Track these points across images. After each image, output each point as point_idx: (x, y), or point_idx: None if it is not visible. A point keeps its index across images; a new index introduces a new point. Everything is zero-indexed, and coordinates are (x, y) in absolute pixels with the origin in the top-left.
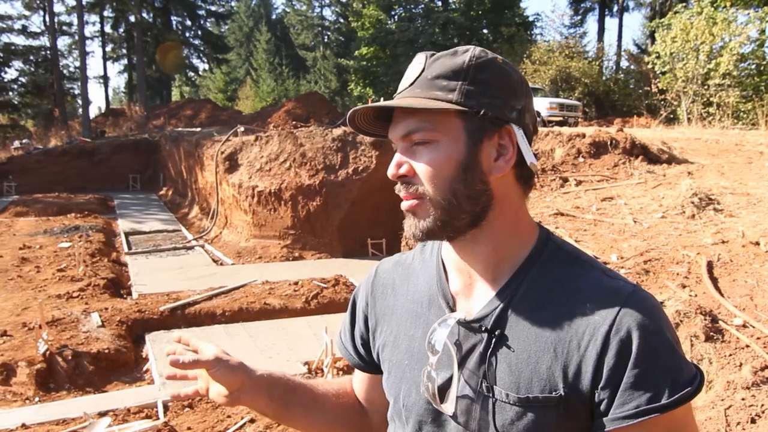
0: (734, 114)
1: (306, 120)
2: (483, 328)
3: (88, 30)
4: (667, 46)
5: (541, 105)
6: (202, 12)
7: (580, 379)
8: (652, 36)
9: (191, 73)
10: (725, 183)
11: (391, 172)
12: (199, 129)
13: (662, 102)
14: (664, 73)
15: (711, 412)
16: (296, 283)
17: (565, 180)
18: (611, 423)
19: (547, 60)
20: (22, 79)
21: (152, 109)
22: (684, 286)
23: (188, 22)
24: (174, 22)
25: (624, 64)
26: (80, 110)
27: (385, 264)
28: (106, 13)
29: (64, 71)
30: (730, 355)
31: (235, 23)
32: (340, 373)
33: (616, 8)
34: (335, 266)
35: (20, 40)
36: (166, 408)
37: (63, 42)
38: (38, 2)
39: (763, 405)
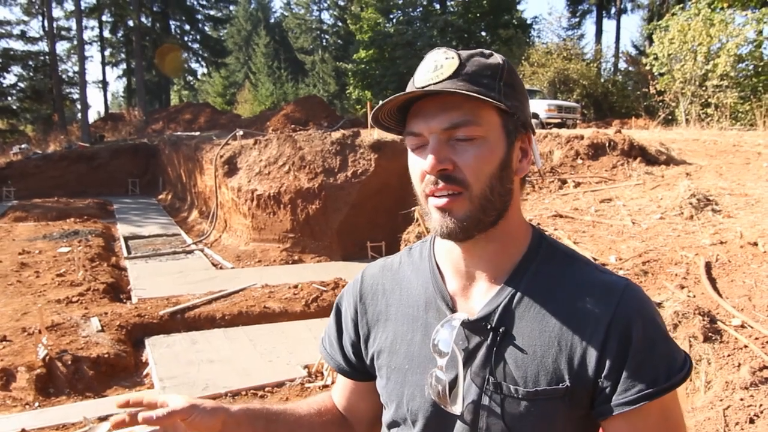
0: (732, 115)
1: (305, 123)
2: (488, 327)
3: (87, 35)
4: (665, 48)
5: (540, 107)
6: (200, 16)
7: (584, 370)
8: (649, 38)
9: (190, 77)
10: (723, 184)
11: (430, 164)
12: (198, 133)
13: (660, 103)
14: (662, 75)
15: (710, 413)
16: (296, 287)
17: (564, 182)
18: (615, 408)
19: (545, 62)
20: (21, 84)
21: (151, 114)
22: (682, 287)
23: (187, 27)
24: (173, 27)
25: (622, 65)
26: (79, 115)
27: (371, 270)
28: (104, 18)
29: (63, 76)
30: (729, 355)
31: (233, 27)
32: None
33: (613, 10)
34: (335, 269)
35: (19, 45)
36: None
37: (62, 47)
38: (37, 7)
39: (761, 405)
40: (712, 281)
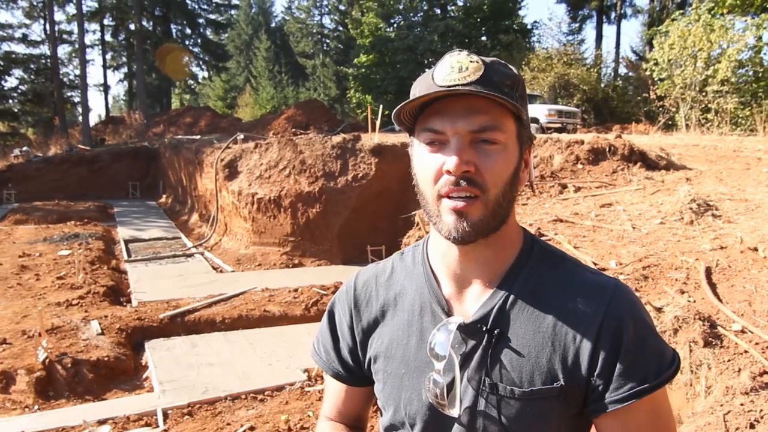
0: (732, 120)
1: (306, 127)
2: (483, 329)
3: (89, 38)
4: (665, 53)
5: (540, 112)
6: (201, 20)
7: (578, 368)
8: (650, 43)
9: (191, 81)
10: (723, 189)
11: (455, 164)
12: (198, 136)
13: (660, 108)
14: (662, 80)
15: (710, 418)
16: (296, 290)
17: (564, 186)
18: (608, 406)
19: (545, 67)
20: (23, 88)
21: (152, 117)
22: (683, 292)
23: (188, 31)
24: (174, 31)
25: (622, 70)
26: (80, 118)
27: (363, 276)
28: (106, 22)
29: (64, 79)
30: (729, 360)
31: (234, 31)
32: None
33: (614, 15)
34: (335, 273)
35: (21, 49)
36: (165, 416)
37: (63, 50)
38: (39, 11)
39: (761, 410)
40: (713, 286)
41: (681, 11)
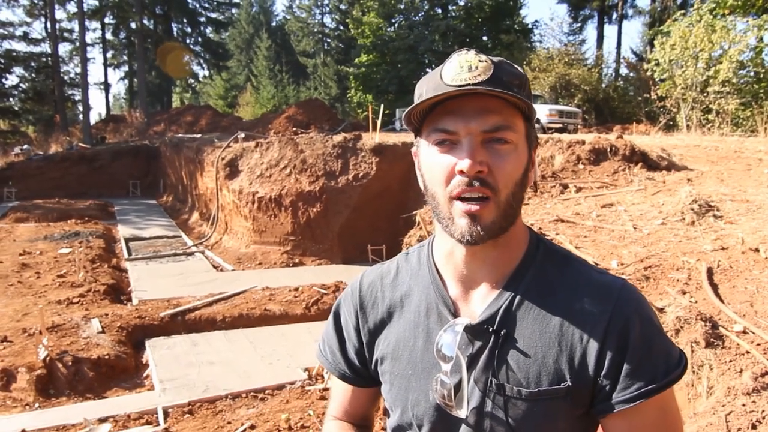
0: (733, 121)
1: (307, 126)
2: (489, 330)
3: (89, 36)
4: (666, 54)
5: (541, 112)
6: (202, 19)
7: (585, 369)
8: (651, 43)
9: (191, 80)
10: (725, 190)
11: (468, 165)
12: (199, 135)
13: (661, 109)
14: (663, 80)
15: (712, 418)
16: (296, 289)
17: (565, 186)
18: (615, 406)
19: (546, 67)
20: (23, 86)
21: (153, 116)
22: (684, 293)
23: (189, 29)
24: (174, 29)
25: (623, 71)
26: (81, 116)
27: (368, 277)
28: (107, 20)
29: (65, 77)
30: (731, 361)
31: (235, 30)
32: None
33: (615, 16)
34: (335, 272)
35: (21, 47)
36: (166, 414)
37: (64, 48)
38: (40, 9)
39: (763, 411)
40: (714, 287)
41: (682, 12)
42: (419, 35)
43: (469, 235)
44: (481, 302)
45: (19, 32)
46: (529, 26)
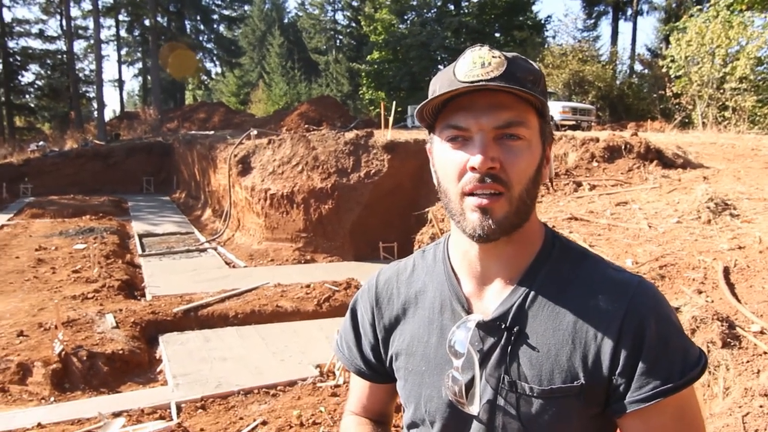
0: (750, 118)
1: (319, 123)
2: (502, 326)
3: (104, 34)
4: (682, 50)
5: (555, 109)
6: (215, 16)
7: (599, 367)
8: (666, 39)
9: (204, 77)
10: (741, 188)
11: (480, 161)
12: (212, 132)
13: (677, 106)
14: (678, 77)
15: (728, 419)
16: (308, 286)
17: (579, 184)
18: (630, 406)
19: (560, 64)
20: (39, 83)
21: (166, 113)
22: (700, 292)
23: (202, 26)
24: (188, 26)
25: (638, 68)
26: (95, 113)
27: (385, 274)
28: (121, 17)
29: (80, 75)
30: (748, 361)
31: (248, 27)
32: None
33: (630, 12)
34: (347, 269)
35: (37, 44)
36: (179, 409)
37: (79, 46)
38: (55, 6)
39: None
40: (731, 286)
41: (699, 7)
42: (431, 32)
43: (480, 230)
44: (495, 299)
45: (35, 30)
46: (543, 22)
